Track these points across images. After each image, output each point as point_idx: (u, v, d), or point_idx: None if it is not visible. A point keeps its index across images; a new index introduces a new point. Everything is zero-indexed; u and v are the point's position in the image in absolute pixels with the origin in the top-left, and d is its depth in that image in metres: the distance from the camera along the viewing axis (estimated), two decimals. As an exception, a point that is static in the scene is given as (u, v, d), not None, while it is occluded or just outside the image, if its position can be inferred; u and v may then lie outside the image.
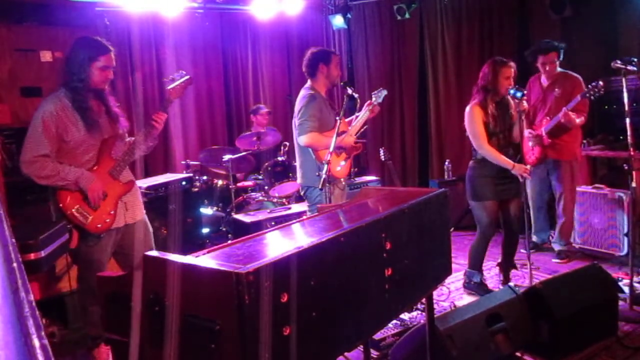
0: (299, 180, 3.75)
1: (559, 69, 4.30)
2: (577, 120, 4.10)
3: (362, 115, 3.82)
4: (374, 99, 3.85)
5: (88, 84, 2.71)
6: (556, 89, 4.29)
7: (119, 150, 2.91)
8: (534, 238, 4.70)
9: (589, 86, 3.92)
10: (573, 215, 4.54)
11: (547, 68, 4.28)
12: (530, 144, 4.34)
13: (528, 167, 3.50)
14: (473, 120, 3.49)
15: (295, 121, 3.57)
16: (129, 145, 2.93)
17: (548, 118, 4.26)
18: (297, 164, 3.73)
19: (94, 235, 2.76)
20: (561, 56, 4.23)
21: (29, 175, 2.65)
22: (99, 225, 2.76)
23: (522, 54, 5.79)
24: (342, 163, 3.65)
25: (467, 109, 3.55)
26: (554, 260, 4.44)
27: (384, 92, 3.91)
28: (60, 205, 2.70)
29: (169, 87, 2.95)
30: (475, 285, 3.74)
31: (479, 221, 3.65)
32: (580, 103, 4.02)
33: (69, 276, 3.52)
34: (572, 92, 4.16)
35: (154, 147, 3.05)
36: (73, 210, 2.71)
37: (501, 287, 3.69)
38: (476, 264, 3.75)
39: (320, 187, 3.06)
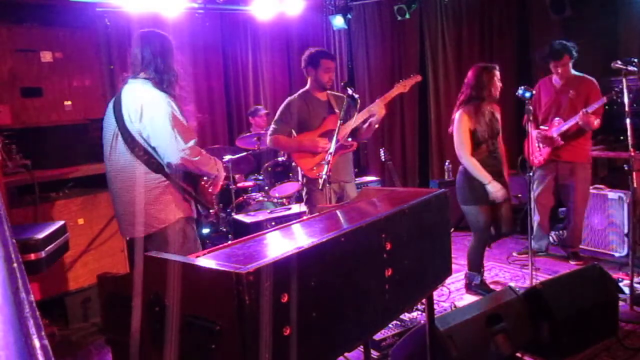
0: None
1: (573, 72, 4.22)
2: (595, 123, 4.04)
3: (371, 107, 3.53)
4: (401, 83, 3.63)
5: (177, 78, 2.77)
6: (570, 91, 4.19)
7: None
8: (533, 245, 4.09)
9: (614, 91, 3.89)
10: (583, 217, 4.42)
11: (560, 71, 4.17)
12: (540, 144, 4.30)
13: (503, 191, 3.44)
14: (460, 128, 3.48)
15: None
16: None
17: (560, 119, 4.19)
18: None
19: None
20: (574, 57, 4.13)
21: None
22: None
23: (522, 54, 5.79)
24: (324, 162, 3.28)
25: (457, 115, 3.53)
26: (571, 261, 4.32)
27: (418, 78, 3.74)
28: None
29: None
30: (477, 287, 3.74)
31: (474, 225, 3.63)
32: (598, 106, 4.00)
33: (69, 276, 3.53)
34: (588, 94, 4.10)
35: None
36: None
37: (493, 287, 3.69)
38: (475, 266, 3.75)
39: (320, 187, 3.07)
